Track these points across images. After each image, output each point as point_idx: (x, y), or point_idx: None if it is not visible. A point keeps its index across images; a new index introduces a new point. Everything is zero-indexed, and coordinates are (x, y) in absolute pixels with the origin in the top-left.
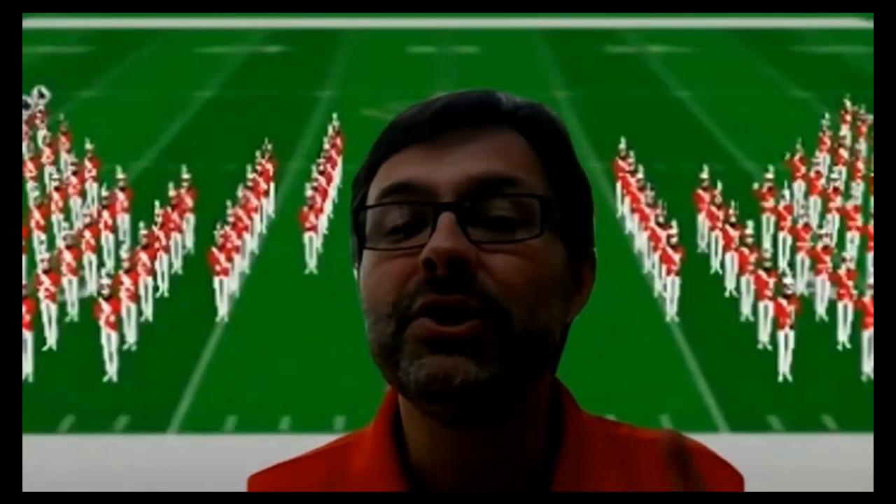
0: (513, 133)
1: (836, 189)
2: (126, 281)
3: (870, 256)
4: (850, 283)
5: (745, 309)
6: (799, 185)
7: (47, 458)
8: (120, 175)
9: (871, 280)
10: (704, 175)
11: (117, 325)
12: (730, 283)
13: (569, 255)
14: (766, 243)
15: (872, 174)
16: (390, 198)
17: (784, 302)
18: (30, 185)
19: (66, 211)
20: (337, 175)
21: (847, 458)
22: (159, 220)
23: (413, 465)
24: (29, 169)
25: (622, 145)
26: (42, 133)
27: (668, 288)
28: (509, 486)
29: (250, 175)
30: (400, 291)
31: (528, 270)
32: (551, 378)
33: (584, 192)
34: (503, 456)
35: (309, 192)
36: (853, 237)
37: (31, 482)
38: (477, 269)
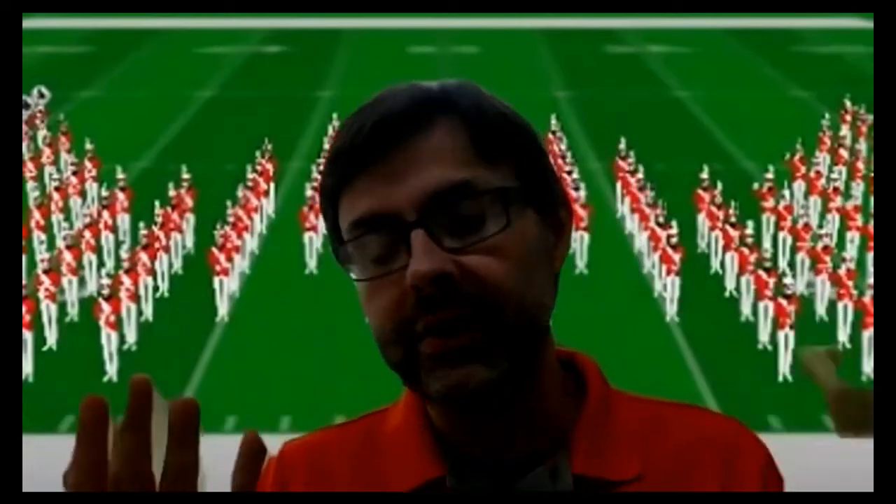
0: (449, 121)
1: (836, 189)
2: (126, 281)
3: (870, 256)
4: (850, 283)
5: (745, 309)
6: (799, 185)
7: (47, 458)
8: (120, 175)
9: (871, 280)
10: (704, 175)
11: (117, 325)
12: (730, 283)
13: (541, 215)
14: (766, 243)
15: (872, 174)
16: (359, 231)
17: (784, 302)
18: (30, 185)
19: (66, 211)
20: None
21: (847, 458)
22: (159, 220)
23: (441, 431)
24: (29, 169)
25: (622, 145)
26: (42, 133)
27: (668, 288)
28: (534, 451)
29: (250, 175)
30: (397, 317)
31: (507, 261)
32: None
33: (532, 147)
34: (523, 423)
35: (309, 192)
36: (853, 237)
37: (31, 482)
38: (460, 279)
